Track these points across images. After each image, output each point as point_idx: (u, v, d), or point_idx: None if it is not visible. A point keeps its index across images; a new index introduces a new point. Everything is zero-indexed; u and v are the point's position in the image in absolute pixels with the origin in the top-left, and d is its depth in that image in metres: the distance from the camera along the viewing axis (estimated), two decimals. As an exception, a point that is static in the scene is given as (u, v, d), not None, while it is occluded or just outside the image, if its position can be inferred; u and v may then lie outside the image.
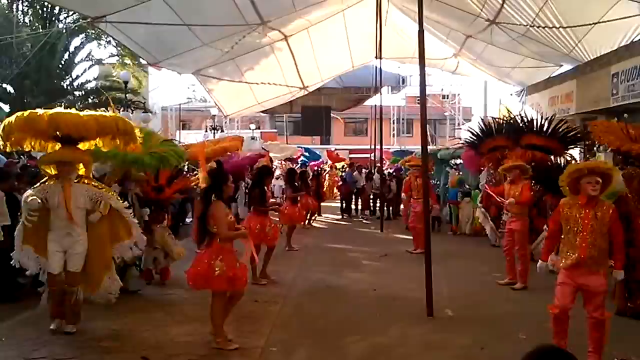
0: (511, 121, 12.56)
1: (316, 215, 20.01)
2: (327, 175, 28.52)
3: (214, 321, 6.14)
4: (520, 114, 12.59)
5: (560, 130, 11.93)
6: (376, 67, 19.53)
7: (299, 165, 23.39)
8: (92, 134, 6.67)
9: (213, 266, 5.89)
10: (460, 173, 17.34)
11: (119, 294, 7.92)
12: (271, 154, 20.70)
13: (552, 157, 11.83)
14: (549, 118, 12.19)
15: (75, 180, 6.65)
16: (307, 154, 29.02)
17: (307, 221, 17.79)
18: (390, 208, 20.52)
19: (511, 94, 22.60)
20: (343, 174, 24.79)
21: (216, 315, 6.13)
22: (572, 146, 12.44)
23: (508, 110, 12.49)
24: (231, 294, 6.18)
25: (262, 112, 31.89)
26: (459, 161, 18.21)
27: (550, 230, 5.98)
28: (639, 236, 7.29)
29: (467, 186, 16.09)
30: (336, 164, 30.11)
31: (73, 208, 6.45)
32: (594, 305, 5.46)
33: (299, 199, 13.30)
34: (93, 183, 6.89)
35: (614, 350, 5.78)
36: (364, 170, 23.52)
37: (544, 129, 11.89)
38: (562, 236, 5.69)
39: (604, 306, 5.48)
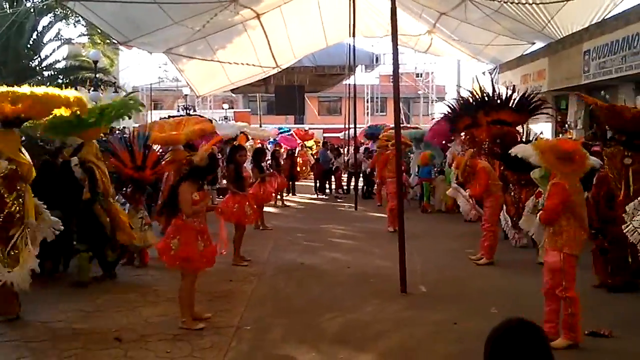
0: (475, 98, 12.45)
1: (289, 194, 20.00)
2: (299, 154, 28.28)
3: (181, 300, 6.15)
4: (493, 87, 12.47)
5: (524, 102, 11.88)
6: (350, 46, 19.39)
7: (271, 143, 23.21)
8: (31, 111, 6.30)
9: (170, 244, 6.00)
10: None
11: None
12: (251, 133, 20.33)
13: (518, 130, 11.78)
14: (513, 92, 12.09)
15: None
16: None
17: (280, 201, 17.76)
18: (365, 186, 20.61)
19: (484, 72, 22.67)
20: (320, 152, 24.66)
21: (186, 296, 6.16)
22: (533, 116, 12.39)
23: (480, 86, 12.39)
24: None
25: (234, 91, 31.58)
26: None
27: None
28: (621, 214, 7.34)
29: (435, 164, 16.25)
30: (305, 142, 29.86)
31: None
32: (553, 283, 5.58)
33: (266, 178, 13.01)
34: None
35: (587, 323, 5.88)
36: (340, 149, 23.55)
37: (510, 103, 11.80)
38: None
39: (562, 285, 5.48)
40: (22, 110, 6.21)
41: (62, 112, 6.62)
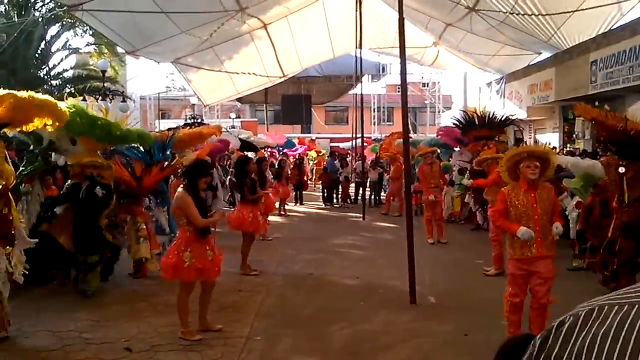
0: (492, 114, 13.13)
1: (296, 203, 20.05)
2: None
3: (179, 311, 6.16)
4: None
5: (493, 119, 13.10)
6: (356, 57, 19.45)
7: (280, 153, 23.23)
8: (16, 115, 5.97)
9: (182, 257, 5.96)
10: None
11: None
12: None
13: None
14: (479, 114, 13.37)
15: None
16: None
17: (283, 210, 17.70)
18: (373, 196, 20.64)
19: (490, 82, 22.71)
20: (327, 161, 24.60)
21: (182, 306, 6.16)
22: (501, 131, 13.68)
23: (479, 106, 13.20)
24: (202, 285, 6.28)
25: (240, 101, 31.77)
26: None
27: (498, 211, 5.85)
28: (616, 221, 7.34)
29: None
30: (307, 152, 29.81)
31: None
32: (543, 292, 5.53)
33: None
34: None
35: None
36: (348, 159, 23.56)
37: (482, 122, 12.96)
38: None
39: (550, 292, 5.56)
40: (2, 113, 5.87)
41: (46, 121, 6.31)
